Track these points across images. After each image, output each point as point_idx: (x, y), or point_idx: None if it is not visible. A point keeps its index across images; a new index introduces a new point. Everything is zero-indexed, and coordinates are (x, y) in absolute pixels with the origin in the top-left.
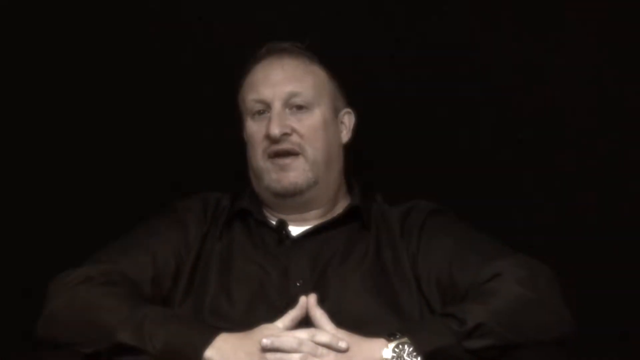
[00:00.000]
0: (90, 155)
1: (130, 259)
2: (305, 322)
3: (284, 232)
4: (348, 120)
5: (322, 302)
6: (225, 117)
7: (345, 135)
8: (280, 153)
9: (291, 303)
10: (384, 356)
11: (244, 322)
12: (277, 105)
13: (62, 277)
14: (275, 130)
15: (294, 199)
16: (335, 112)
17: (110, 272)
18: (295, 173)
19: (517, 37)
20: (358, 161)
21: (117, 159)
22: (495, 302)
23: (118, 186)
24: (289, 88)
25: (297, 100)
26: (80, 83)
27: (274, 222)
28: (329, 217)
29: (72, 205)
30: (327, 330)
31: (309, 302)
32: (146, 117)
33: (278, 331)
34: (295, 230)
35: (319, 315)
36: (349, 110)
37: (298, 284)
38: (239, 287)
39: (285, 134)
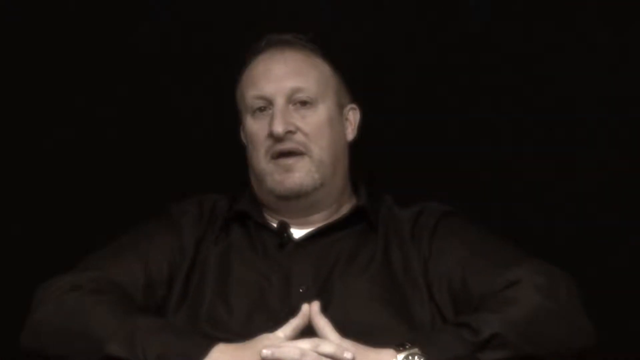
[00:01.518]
0: (87, 156)
1: (121, 266)
2: (308, 331)
3: (285, 235)
4: (353, 116)
5: (326, 310)
6: (225, 116)
7: (351, 133)
8: (284, 153)
9: (293, 311)
10: None
11: (243, 331)
12: (279, 102)
13: (49, 284)
14: (279, 128)
15: (298, 202)
16: (340, 108)
17: (100, 280)
18: (300, 174)
19: (526, 35)
20: (362, 160)
21: (114, 160)
22: (512, 311)
23: (115, 187)
24: (292, 83)
25: (301, 96)
26: (79, 84)
27: (274, 225)
28: (333, 219)
29: (67, 207)
30: (331, 340)
31: (311, 309)
32: (144, 118)
33: (279, 341)
34: (297, 233)
35: (323, 324)
36: (354, 106)
37: (301, 291)
38: (238, 294)
39: (289, 132)
